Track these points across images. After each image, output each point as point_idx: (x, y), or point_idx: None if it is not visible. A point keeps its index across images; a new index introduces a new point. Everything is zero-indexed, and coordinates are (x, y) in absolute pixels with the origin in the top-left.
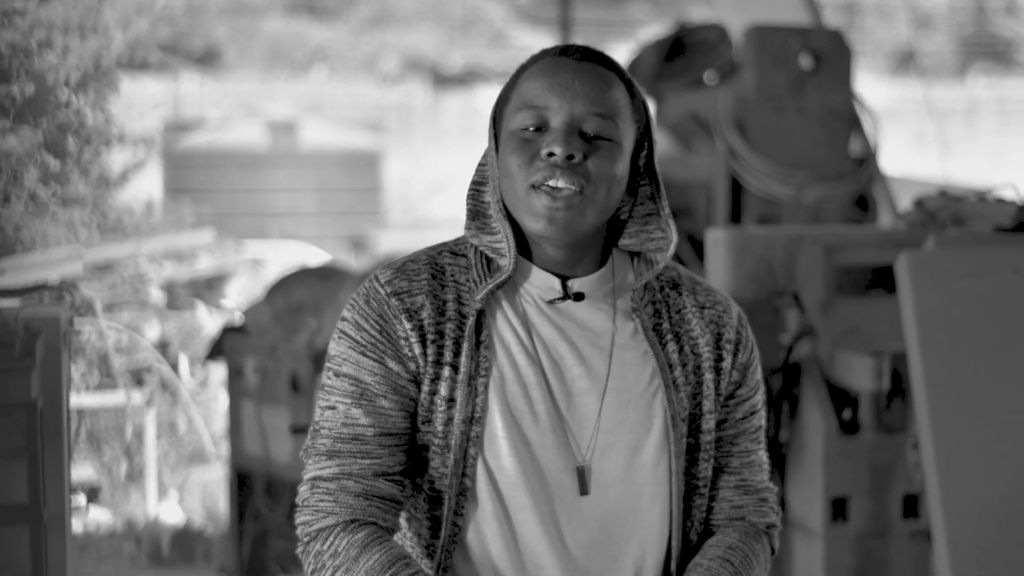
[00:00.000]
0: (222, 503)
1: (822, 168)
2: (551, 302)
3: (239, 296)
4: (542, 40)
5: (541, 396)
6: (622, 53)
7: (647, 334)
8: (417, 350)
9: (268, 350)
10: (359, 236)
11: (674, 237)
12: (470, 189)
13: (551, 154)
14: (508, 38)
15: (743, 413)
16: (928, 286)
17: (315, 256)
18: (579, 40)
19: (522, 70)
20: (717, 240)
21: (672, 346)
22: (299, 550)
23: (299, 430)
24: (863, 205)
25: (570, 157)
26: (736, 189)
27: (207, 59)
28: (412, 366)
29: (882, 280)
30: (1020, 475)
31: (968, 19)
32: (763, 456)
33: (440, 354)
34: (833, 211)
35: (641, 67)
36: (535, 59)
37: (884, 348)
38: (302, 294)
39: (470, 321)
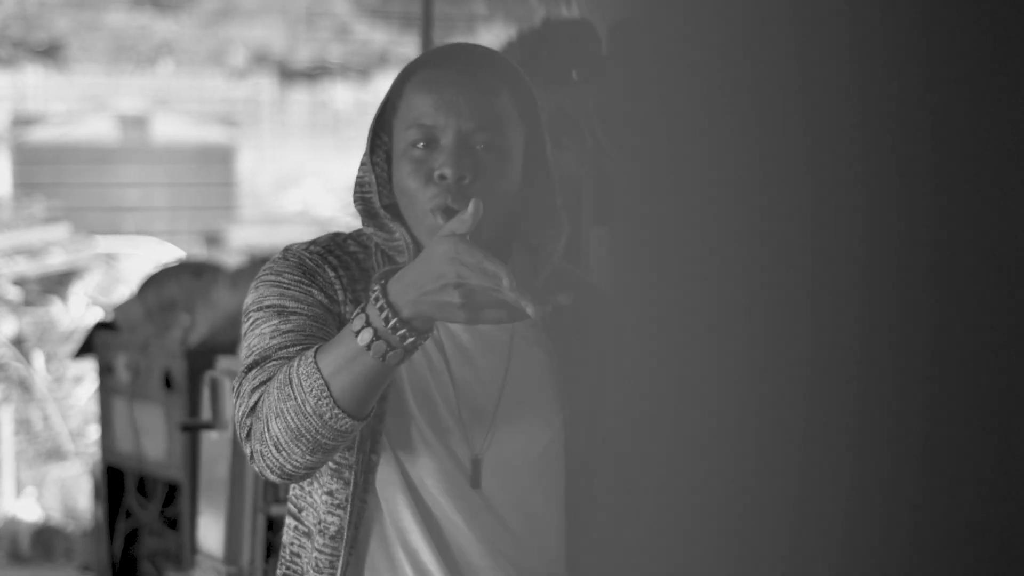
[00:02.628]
0: (81, 500)
1: None
2: None
3: (92, 292)
4: (386, 34)
5: (446, 382)
6: None
7: (548, 331)
8: (340, 297)
9: (140, 346)
10: (212, 231)
11: (565, 228)
12: (356, 191)
13: (443, 176)
14: (353, 32)
15: None
16: None
17: (169, 251)
18: (419, 35)
19: (405, 78)
20: (602, 238)
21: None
22: (249, 456)
23: (189, 428)
24: None
25: (461, 178)
26: (605, 186)
27: (50, 52)
28: (335, 308)
29: None
30: None
31: None
32: None
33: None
34: None
35: None
36: (417, 67)
37: None
38: (174, 290)
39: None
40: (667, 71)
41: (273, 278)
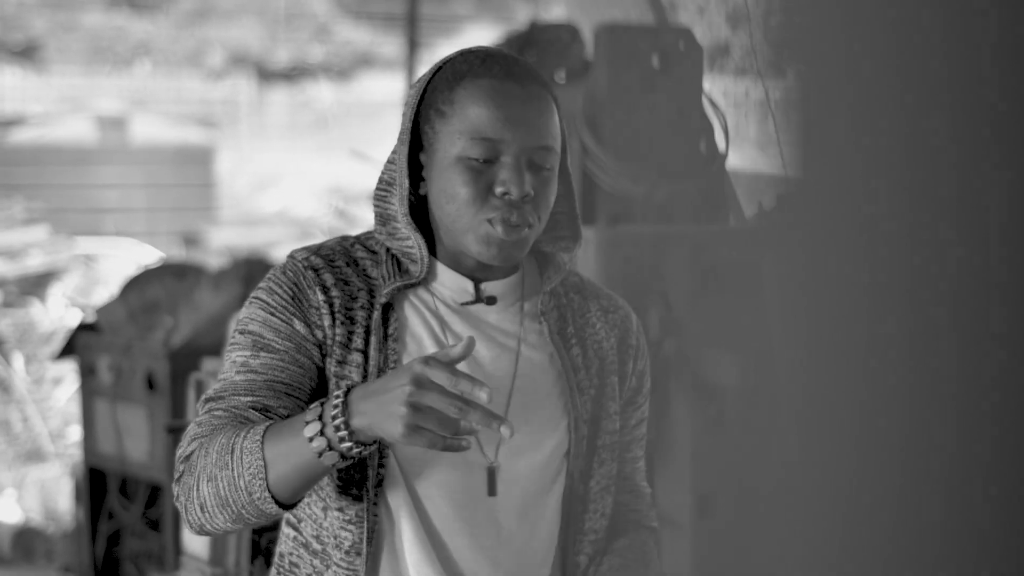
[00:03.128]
0: (62, 502)
1: (673, 166)
2: (464, 304)
3: (72, 293)
4: (368, 35)
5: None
6: (451, 50)
7: (553, 337)
8: (327, 322)
9: (123, 348)
10: (191, 232)
11: (580, 237)
12: (378, 191)
13: (507, 193)
14: (332, 32)
15: (636, 420)
16: None
17: (148, 253)
18: (402, 35)
19: (454, 83)
20: (587, 239)
21: (577, 350)
22: (175, 496)
23: (174, 429)
24: (714, 203)
25: (526, 196)
26: (588, 187)
27: (27, 53)
28: (319, 334)
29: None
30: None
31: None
32: (644, 464)
33: (350, 339)
34: (685, 209)
35: None
36: (467, 73)
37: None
38: (157, 292)
39: (376, 314)
40: (828, 68)
41: (265, 296)
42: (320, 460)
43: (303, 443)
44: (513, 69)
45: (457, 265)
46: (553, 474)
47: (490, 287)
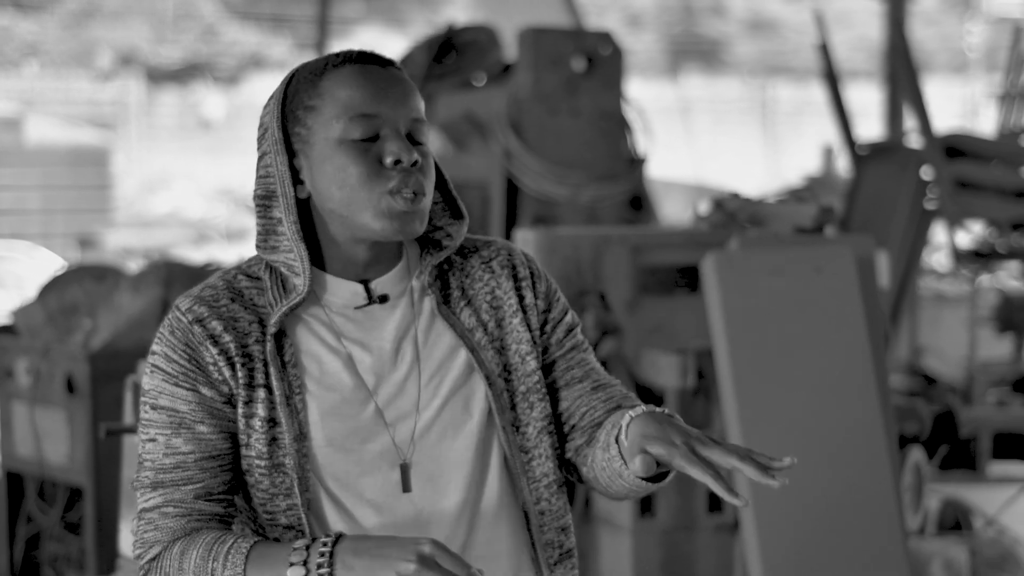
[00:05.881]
0: None
1: (596, 168)
2: (358, 308)
3: None
4: (256, 36)
5: (360, 399)
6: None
7: (440, 308)
8: (227, 373)
9: (41, 351)
10: (86, 234)
11: (466, 219)
12: (257, 205)
13: (398, 161)
14: (220, 34)
15: (564, 331)
16: (734, 285)
17: (43, 255)
18: (290, 37)
19: (317, 76)
20: (527, 240)
21: (468, 311)
22: None
23: (112, 432)
24: (636, 205)
25: (414, 163)
26: (511, 190)
27: None
28: (224, 389)
29: (686, 279)
30: (824, 466)
31: (676, 19)
32: (598, 363)
33: (251, 376)
34: (608, 211)
35: (411, 67)
36: (325, 66)
37: (688, 346)
38: (76, 294)
39: (269, 345)
40: None
41: (163, 365)
42: None
43: None
44: (368, 54)
45: (343, 271)
46: (488, 439)
47: (380, 285)
